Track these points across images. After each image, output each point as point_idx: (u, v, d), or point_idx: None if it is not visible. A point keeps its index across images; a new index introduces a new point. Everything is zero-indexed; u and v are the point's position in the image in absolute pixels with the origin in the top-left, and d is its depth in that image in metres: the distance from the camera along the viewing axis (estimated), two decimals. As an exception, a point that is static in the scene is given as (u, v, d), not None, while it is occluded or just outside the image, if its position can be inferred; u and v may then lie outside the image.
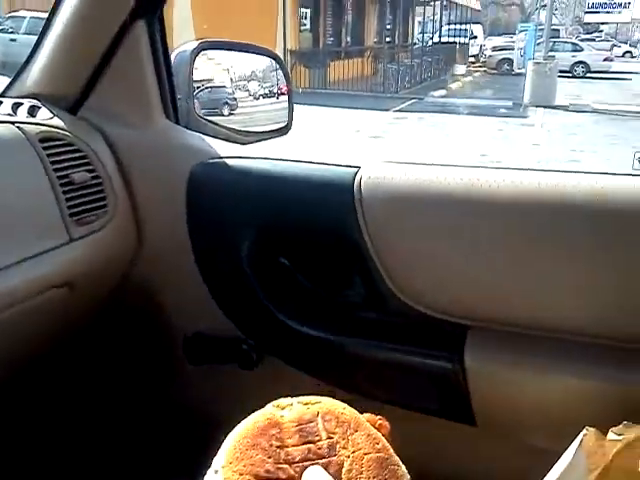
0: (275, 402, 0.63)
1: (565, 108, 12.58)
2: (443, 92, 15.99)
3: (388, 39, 22.02)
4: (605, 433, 0.69)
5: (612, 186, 0.95)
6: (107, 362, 1.28)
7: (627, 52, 33.11)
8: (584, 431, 0.69)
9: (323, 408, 0.62)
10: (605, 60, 22.27)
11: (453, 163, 1.07)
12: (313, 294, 1.14)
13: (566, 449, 0.71)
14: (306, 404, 0.63)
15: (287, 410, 0.62)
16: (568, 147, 8.78)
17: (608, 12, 29.93)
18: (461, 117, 11.44)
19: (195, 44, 1.26)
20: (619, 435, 0.68)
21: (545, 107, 12.40)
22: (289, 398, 0.63)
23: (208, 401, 1.21)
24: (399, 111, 12.38)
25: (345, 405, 0.64)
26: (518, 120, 11.39)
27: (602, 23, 35.26)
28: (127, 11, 1.07)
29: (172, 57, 1.21)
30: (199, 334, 1.20)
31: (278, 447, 0.59)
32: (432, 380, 1.03)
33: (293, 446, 0.60)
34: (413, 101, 13.84)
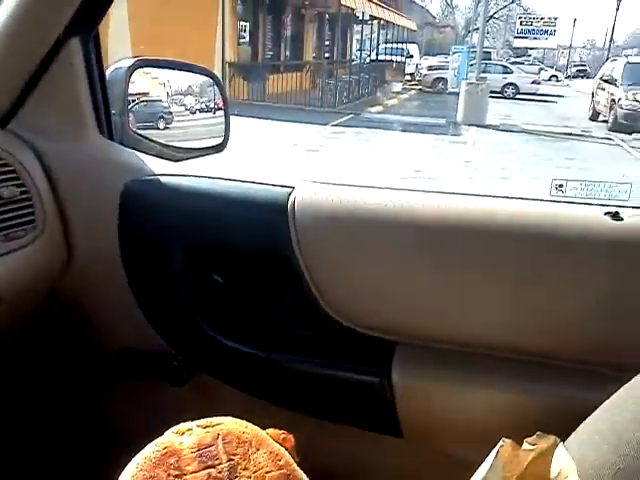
0: (174, 428, 0.62)
1: (496, 127, 13.00)
2: (380, 108, 16.28)
3: (327, 55, 22.29)
4: (521, 443, 0.72)
5: (532, 211, 1.01)
6: (36, 376, 1.25)
7: (553, 76, 34.57)
8: (501, 442, 0.72)
9: (224, 430, 0.62)
10: (533, 83, 23.12)
11: (385, 184, 1.11)
12: (245, 311, 1.15)
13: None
14: (206, 427, 0.62)
15: (186, 435, 0.61)
16: (498, 165, 9.08)
17: (535, 38, 31.33)
18: (396, 133, 11.65)
19: (131, 61, 1.26)
20: (533, 445, 0.71)
21: (477, 126, 12.78)
22: (189, 422, 0.62)
23: (138, 418, 1.19)
24: (336, 126, 12.48)
25: (247, 424, 0.63)
26: (451, 138, 11.71)
27: (530, 48, 36.83)
28: (60, 29, 1.05)
29: (107, 73, 1.20)
30: (129, 349, 1.19)
31: (176, 477, 0.58)
32: (361, 394, 1.06)
33: (192, 473, 0.59)
34: (350, 116, 13.99)
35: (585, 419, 0.72)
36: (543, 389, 0.98)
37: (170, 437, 0.62)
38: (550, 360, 0.99)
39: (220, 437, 0.61)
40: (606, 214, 0.97)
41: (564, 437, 0.72)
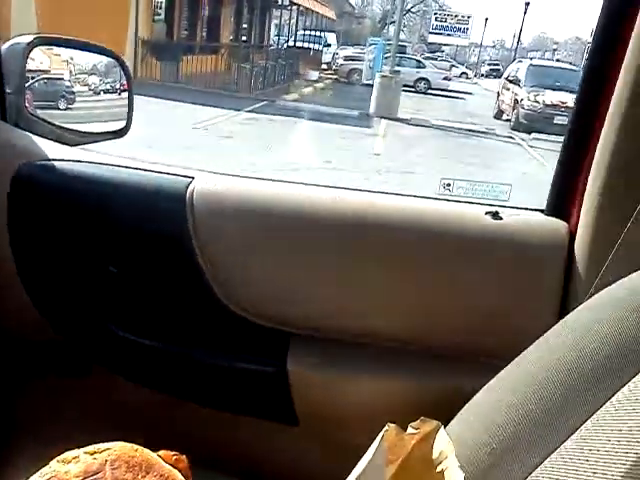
0: (60, 457, 0.60)
1: (406, 121, 13.26)
2: (295, 96, 16.24)
3: (244, 38, 21.97)
4: (406, 428, 0.75)
5: (419, 207, 1.06)
6: None
7: (464, 73, 35.62)
8: (386, 427, 0.74)
9: (112, 455, 0.60)
10: (445, 79, 23.75)
11: (282, 177, 1.13)
12: (142, 302, 1.14)
13: None
14: (93, 453, 0.60)
15: (73, 463, 0.59)
16: (406, 158, 9.33)
17: (449, 35, 32.22)
18: (310, 123, 11.67)
19: (29, 38, 1.20)
20: (416, 429, 0.74)
21: (388, 119, 13.00)
22: (76, 450, 0.60)
23: (39, 415, 1.15)
24: (251, 112, 12.36)
25: (137, 447, 0.62)
26: (363, 130, 11.86)
27: (444, 44, 37.82)
28: None
29: (2, 49, 1.14)
30: (24, 343, 1.15)
31: None
32: (258, 384, 1.09)
33: None
34: (265, 103, 13.87)
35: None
36: (429, 377, 1.03)
37: (55, 466, 0.59)
38: (436, 350, 1.04)
39: (108, 463, 0.59)
40: (487, 213, 1.03)
41: (448, 421, 0.76)
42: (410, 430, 0.75)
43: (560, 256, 0.99)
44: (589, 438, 0.54)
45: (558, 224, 1.02)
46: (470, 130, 13.08)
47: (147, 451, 0.62)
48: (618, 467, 0.49)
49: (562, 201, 1.04)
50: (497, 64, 42.18)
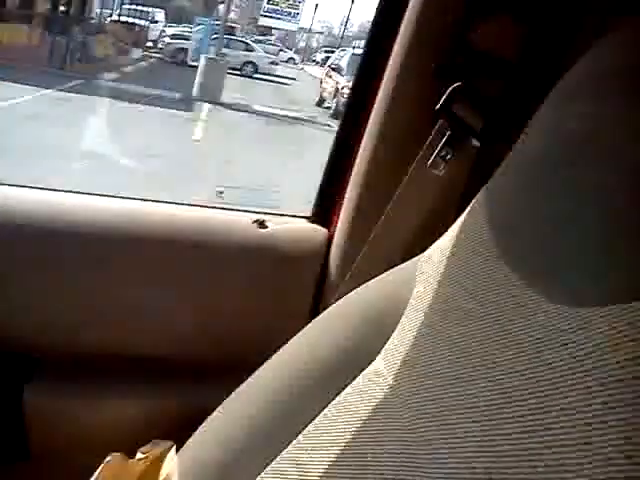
0: None
1: (229, 106, 13.12)
2: (116, 75, 15.48)
3: (63, 8, 20.51)
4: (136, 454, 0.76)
5: (187, 216, 1.03)
6: None
7: (291, 58, 35.81)
8: (108, 457, 0.73)
9: None
10: (272, 63, 23.82)
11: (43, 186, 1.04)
12: None
13: None
14: None
15: None
16: (226, 146, 9.27)
17: (279, 18, 32.46)
18: (130, 105, 11.08)
19: None
20: (145, 454, 0.75)
21: (212, 103, 12.81)
22: None
23: None
24: (63, 91, 11.41)
25: None
26: (185, 114, 11.53)
27: (274, 28, 38.00)
28: None
29: None
30: None
31: None
32: None
33: None
34: (81, 81, 12.94)
35: None
36: (175, 394, 1.02)
37: None
38: (182, 365, 1.03)
39: None
40: (254, 222, 1.04)
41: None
42: (139, 455, 0.75)
43: (317, 262, 1.02)
44: (303, 448, 0.55)
45: (319, 231, 1.06)
46: (292, 117, 13.24)
47: None
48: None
49: (324, 208, 1.07)
50: (333, 51, 42.84)
